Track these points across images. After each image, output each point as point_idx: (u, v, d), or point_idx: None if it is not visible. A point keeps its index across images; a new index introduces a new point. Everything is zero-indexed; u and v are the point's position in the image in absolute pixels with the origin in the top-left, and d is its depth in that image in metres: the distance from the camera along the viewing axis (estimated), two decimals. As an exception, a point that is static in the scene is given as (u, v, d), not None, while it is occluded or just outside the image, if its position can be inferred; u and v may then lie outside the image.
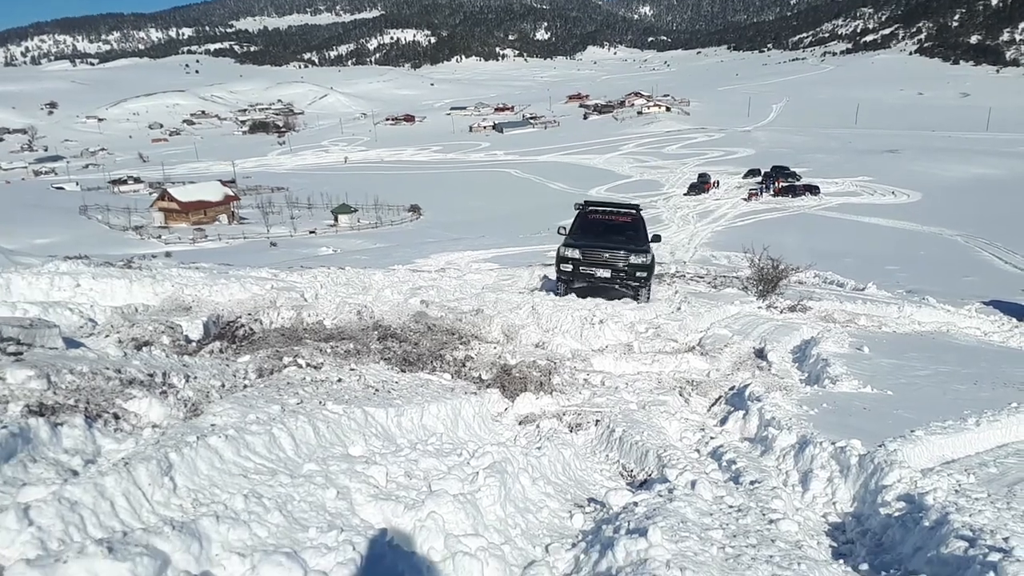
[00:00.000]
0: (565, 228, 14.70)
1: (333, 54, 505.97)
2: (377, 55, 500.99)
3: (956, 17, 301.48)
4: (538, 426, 6.22)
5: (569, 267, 12.94)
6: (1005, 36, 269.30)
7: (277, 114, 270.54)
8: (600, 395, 7.76)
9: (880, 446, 5.83)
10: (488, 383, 7.52)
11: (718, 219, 54.23)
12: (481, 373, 7.94)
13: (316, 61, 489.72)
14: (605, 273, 12.88)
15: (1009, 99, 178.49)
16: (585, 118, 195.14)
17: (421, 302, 11.49)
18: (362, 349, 7.86)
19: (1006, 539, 3.67)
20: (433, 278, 16.46)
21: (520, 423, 6.59)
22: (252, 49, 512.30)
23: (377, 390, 5.64)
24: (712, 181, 74.05)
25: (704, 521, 3.87)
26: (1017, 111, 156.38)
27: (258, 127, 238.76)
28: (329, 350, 7.44)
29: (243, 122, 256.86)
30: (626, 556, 3.29)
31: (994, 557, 3.44)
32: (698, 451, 6.26)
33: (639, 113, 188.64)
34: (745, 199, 65.30)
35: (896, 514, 4.69)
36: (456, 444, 4.58)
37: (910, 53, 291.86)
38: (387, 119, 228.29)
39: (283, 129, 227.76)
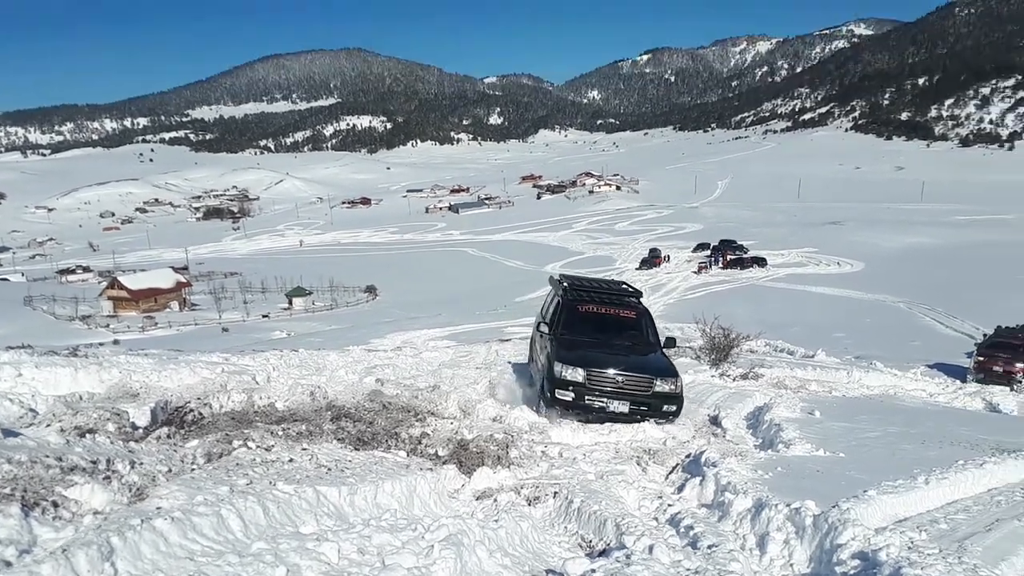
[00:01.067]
0: (545, 318, 11.65)
1: (289, 140, 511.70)
2: (334, 141, 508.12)
3: (887, 96, 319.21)
4: (495, 500, 6.17)
5: (569, 395, 9.26)
6: (933, 112, 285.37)
7: (232, 200, 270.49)
8: (558, 467, 7.74)
9: (834, 506, 5.91)
10: (445, 459, 7.45)
11: (670, 292, 55.29)
12: (438, 449, 7.87)
13: (272, 148, 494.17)
14: (622, 407, 9.27)
15: (939, 172, 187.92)
16: (539, 198, 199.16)
17: (376, 380, 11.43)
18: (315, 430, 7.75)
19: (954, 591, 3.73)
20: (389, 357, 16.40)
21: (478, 498, 6.52)
22: (207, 137, 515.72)
23: (330, 469, 5.57)
24: (663, 256, 75.76)
25: (660, 584, 3.87)
26: (947, 183, 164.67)
27: (212, 213, 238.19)
28: (281, 432, 7.31)
29: (197, 208, 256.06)
30: (582, 621, 3.27)
31: (943, 607, 3.49)
32: (656, 518, 6.26)
33: (590, 192, 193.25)
34: (695, 272, 66.84)
35: (851, 572, 4.74)
36: (412, 520, 4.52)
37: (846, 130, 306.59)
38: (343, 202, 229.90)
39: (238, 215, 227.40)
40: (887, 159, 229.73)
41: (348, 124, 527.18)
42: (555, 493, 6.68)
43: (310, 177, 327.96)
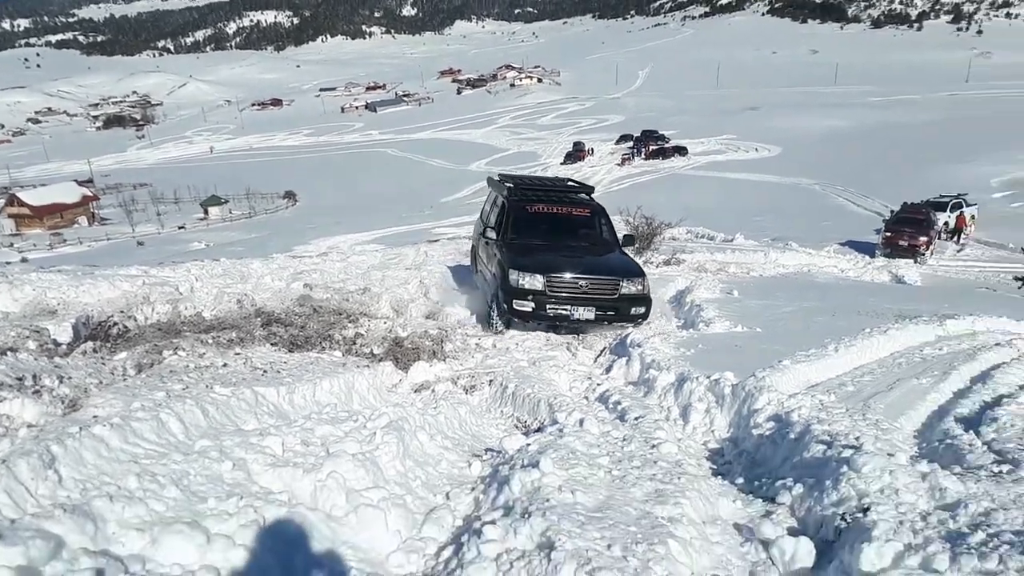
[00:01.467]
0: (489, 223, 10.70)
1: (189, 41, 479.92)
2: (237, 39, 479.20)
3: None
4: (433, 390, 6.36)
5: (529, 304, 8.49)
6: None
7: (133, 107, 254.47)
8: (492, 357, 7.98)
9: (751, 376, 6.31)
10: (380, 357, 7.56)
11: (595, 185, 55.53)
12: (373, 348, 7.97)
13: (172, 49, 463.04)
14: (587, 313, 8.58)
15: (853, 54, 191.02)
16: (459, 93, 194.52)
17: (304, 286, 11.33)
18: (246, 337, 7.69)
19: (857, 438, 4.11)
20: (315, 263, 16.17)
21: (416, 391, 6.68)
22: (99, 39, 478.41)
23: (265, 371, 5.60)
24: (587, 149, 75.67)
25: (592, 451, 4.13)
26: (860, 65, 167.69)
27: (113, 121, 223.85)
28: (211, 340, 7.24)
29: (96, 117, 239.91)
30: (522, 487, 3.49)
31: (847, 453, 3.85)
32: (587, 397, 6.59)
33: (512, 86, 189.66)
34: (619, 164, 67.21)
35: (767, 433, 5.12)
36: (352, 413, 4.64)
37: (763, 14, 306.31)
38: (253, 105, 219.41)
39: (141, 122, 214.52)
40: (803, 43, 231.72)
41: (252, 20, 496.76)
42: (490, 381, 6.93)
43: (215, 79, 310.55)
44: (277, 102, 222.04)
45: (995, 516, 3.08)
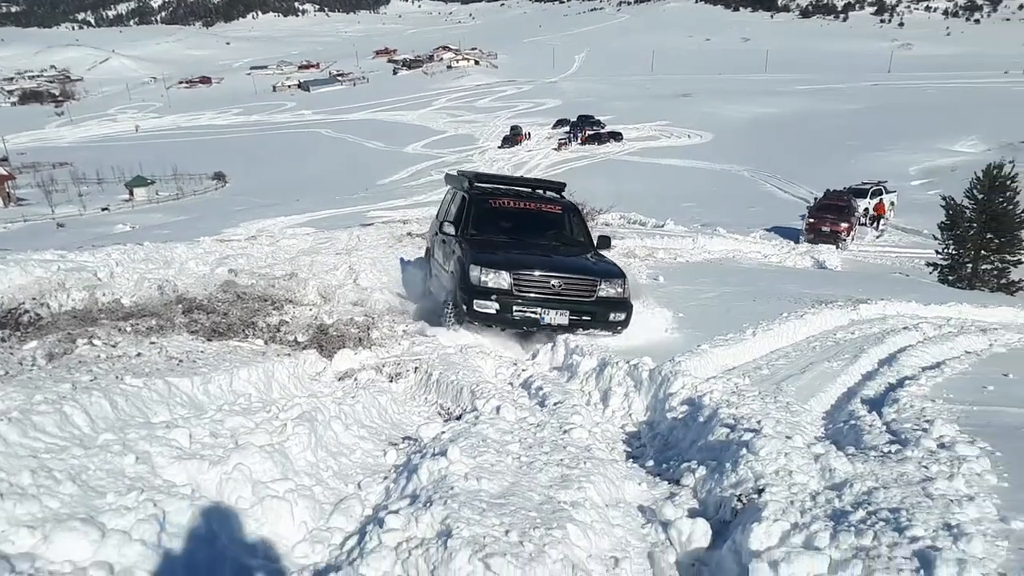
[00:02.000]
0: (448, 218, 9.65)
1: (112, 13, 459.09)
2: (163, 13, 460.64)
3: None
4: (355, 379, 6.34)
5: (492, 306, 7.49)
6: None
7: (51, 81, 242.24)
8: (419, 344, 7.98)
9: (668, 361, 6.50)
10: (305, 344, 7.50)
11: (532, 169, 55.65)
12: (297, 336, 7.89)
13: (92, 22, 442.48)
14: (560, 317, 7.59)
15: (782, 42, 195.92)
16: (395, 73, 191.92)
17: (229, 271, 11.12)
18: (166, 324, 7.52)
19: (759, 422, 4.29)
20: (243, 246, 15.85)
21: (340, 379, 6.65)
22: (13, 9, 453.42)
23: (181, 361, 5.49)
24: (524, 133, 75.60)
25: (504, 438, 4.23)
26: (789, 53, 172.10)
27: (30, 97, 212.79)
28: (129, 328, 7.06)
29: (10, 92, 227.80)
30: (429, 476, 3.56)
31: (747, 436, 4.02)
32: (511, 383, 6.69)
33: (449, 67, 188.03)
34: (555, 149, 67.39)
35: (680, 416, 5.29)
36: (267, 403, 4.62)
37: (696, 1, 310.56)
38: (180, 82, 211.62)
39: (60, 98, 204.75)
40: (734, 30, 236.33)
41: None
42: (416, 368, 6.94)
43: (140, 54, 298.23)
44: (206, 80, 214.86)
45: (876, 495, 3.28)
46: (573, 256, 8.57)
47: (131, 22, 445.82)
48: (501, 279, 7.54)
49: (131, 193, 69.84)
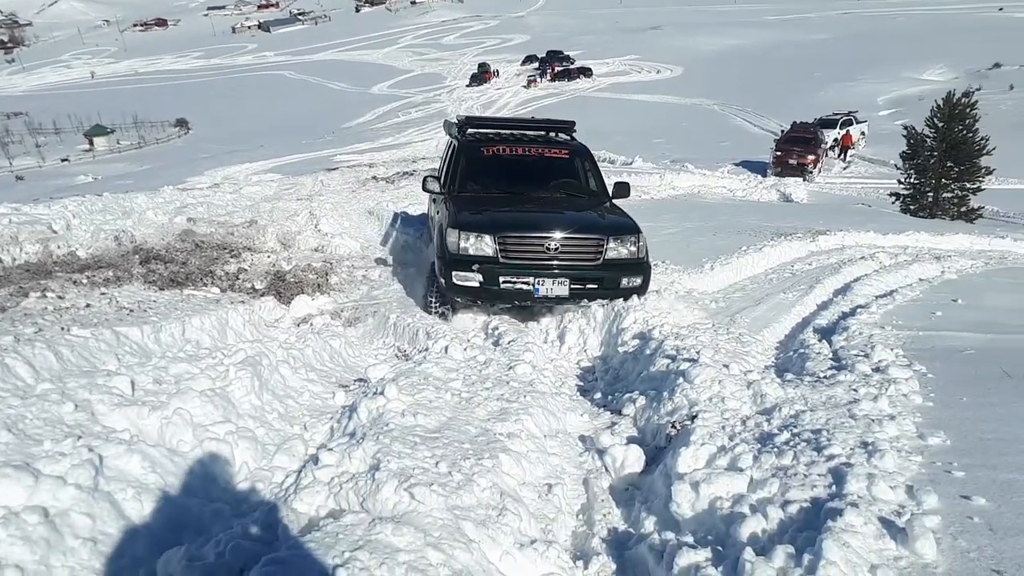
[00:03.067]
0: (437, 178, 8.11)
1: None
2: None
3: None
4: (311, 324, 6.36)
5: (475, 277, 6.16)
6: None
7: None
8: (378, 288, 8.01)
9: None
10: (262, 292, 7.49)
11: (501, 108, 54.98)
12: (255, 283, 7.87)
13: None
14: (558, 287, 6.24)
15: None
16: (357, 11, 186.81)
17: (188, 220, 10.99)
18: (123, 275, 7.46)
19: (698, 352, 4.40)
20: (204, 195, 15.64)
21: (298, 325, 6.67)
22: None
23: (132, 311, 5.48)
24: (492, 70, 74.32)
25: (448, 376, 4.32)
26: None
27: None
28: (85, 280, 7.00)
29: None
30: (368, 414, 3.64)
31: (685, 366, 4.13)
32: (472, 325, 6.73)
33: (413, 3, 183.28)
34: (525, 86, 66.46)
35: (631, 350, 5.40)
36: (214, 349, 4.65)
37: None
38: (135, 25, 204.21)
39: (9, 44, 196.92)
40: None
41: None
42: (374, 313, 6.97)
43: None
44: (162, 22, 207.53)
45: (803, 417, 3.41)
46: (578, 210, 7.09)
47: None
48: (484, 244, 6.19)
49: (91, 143, 68.13)
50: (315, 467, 3.04)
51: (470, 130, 8.45)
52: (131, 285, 6.64)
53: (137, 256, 8.58)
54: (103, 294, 5.95)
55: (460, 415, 3.72)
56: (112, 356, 4.22)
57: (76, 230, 9.82)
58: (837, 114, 32.31)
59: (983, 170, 19.59)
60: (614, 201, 7.67)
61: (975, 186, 19.68)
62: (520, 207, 7.00)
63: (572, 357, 5.96)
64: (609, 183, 8.02)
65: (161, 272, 7.79)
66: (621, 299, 6.22)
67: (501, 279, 6.18)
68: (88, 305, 5.47)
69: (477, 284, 6.18)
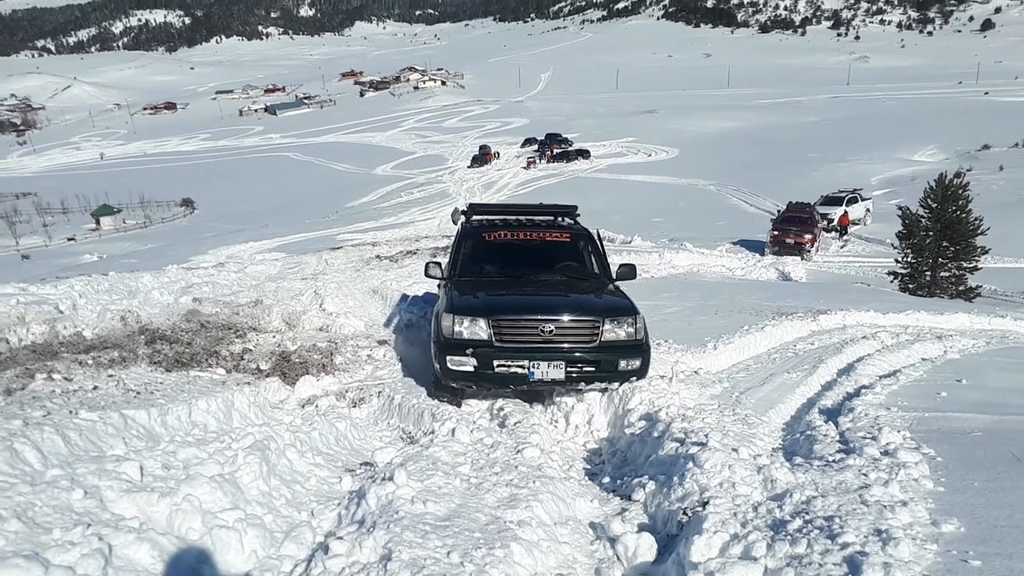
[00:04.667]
0: (440, 264, 7.85)
1: (72, 40, 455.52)
2: (125, 39, 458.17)
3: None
4: (316, 406, 6.35)
5: (469, 362, 6.09)
6: (735, 0, 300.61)
7: (12, 110, 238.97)
8: (383, 367, 8.01)
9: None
10: (267, 372, 7.49)
11: (501, 188, 55.99)
12: (260, 364, 7.86)
13: (53, 49, 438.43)
14: (554, 371, 6.07)
15: (743, 57, 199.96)
16: (362, 95, 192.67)
17: (193, 299, 11.05)
18: (128, 356, 7.47)
19: (706, 435, 4.39)
20: (210, 274, 15.75)
21: (303, 406, 6.65)
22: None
23: (139, 393, 5.48)
24: (493, 152, 76.06)
25: (456, 460, 4.29)
26: (750, 68, 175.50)
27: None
28: (91, 361, 7.01)
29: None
30: (377, 501, 3.61)
31: (694, 450, 4.12)
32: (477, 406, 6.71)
33: (416, 88, 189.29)
34: (524, 168, 67.86)
35: (638, 432, 5.38)
36: (222, 433, 4.64)
37: (658, 18, 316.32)
38: (145, 108, 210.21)
39: (22, 127, 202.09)
40: (696, 46, 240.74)
41: (140, 20, 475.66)
42: (379, 393, 6.96)
43: (103, 81, 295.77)
44: (171, 106, 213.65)
45: (814, 503, 3.39)
46: (579, 292, 7.10)
47: (92, 48, 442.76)
48: (478, 328, 6.12)
49: (97, 222, 69.16)
50: (325, 556, 3.01)
51: (474, 216, 8.54)
52: (137, 366, 6.65)
53: (143, 336, 8.60)
54: (110, 376, 5.96)
55: (470, 501, 3.70)
56: (120, 440, 4.21)
57: (82, 310, 9.86)
58: (843, 191, 32.98)
59: (979, 249, 19.81)
60: (618, 283, 7.57)
61: (972, 265, 19.85)
62: (517, 291, 7.00)
63: (578, 439, 5.94)
64: (613, 263, 8.04)
65: (167, 353, 7.80)
66: (618, 383, 6.21)
67: (496, 363, 6.06)
68: (95, 387, 5.48)
69: (471, 368, 6.08)
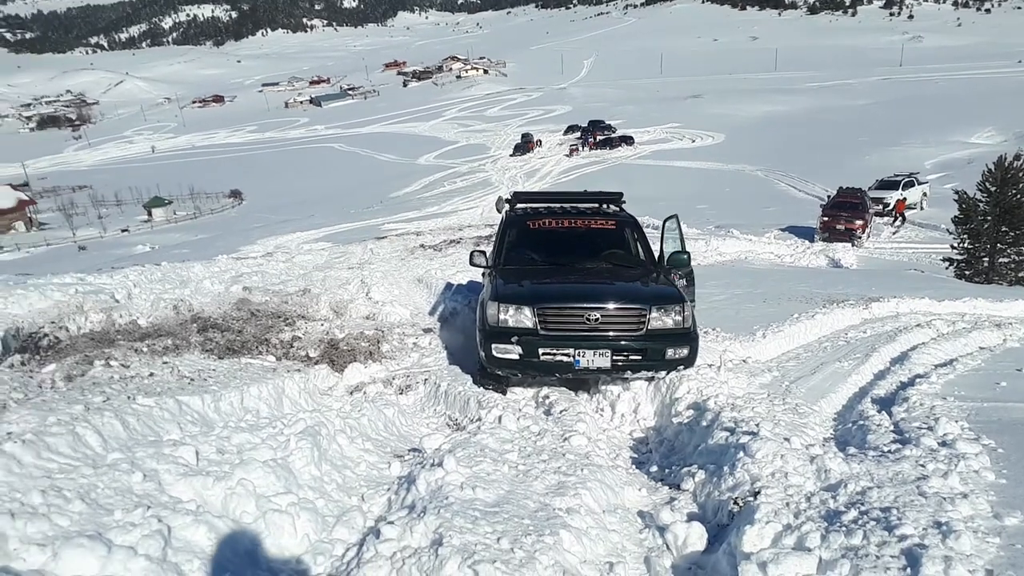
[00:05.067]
0: (484, 253, 7.80)
1: (124, 36, 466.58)
2: (174, 34, 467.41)
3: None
4: (364, 392, 6.43)
5: (515, 350, 6.09)
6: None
7: (68, 106, 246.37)
8: (428, 355, 8.07)
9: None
10: (316, 360, 7.60)
11: (544, 176, 55.82)
12: (309, 351, 7.99)
13: (106, 45, 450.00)
14: (600, 359, 6.03)
15: (791, 39, 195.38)
16: (405, 86, 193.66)
17: (243, 288, 11.26)
18: (181, 343, 7.65)
19: (757, 424, 4.33)
20: (259, 264, 16.05)
21: (351, 392, 6.74)
22: (28, 36, 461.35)
23: (192, 379, 5.61)
24: (535, 140, 75.76)
25: (503, 447, 4.30)
26: (798, 50, 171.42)
27: (48, 122, 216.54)
28: (146, 348, 7.20)
29: (29, 118, 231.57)
30: (427, 486, 3.65)
31: (745, 440, 4.07)
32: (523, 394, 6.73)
33: (458, 77, 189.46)
34: (567, 155, 67.49)
35: (685, 421, 5.34)
36: (274, 419, 4.73)
37: (703, 1, 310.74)
38: (194, 102, 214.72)
39: (77, 122, 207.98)
40: (742, 29, 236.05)
41: (188, 15, 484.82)
42: (425, 380, 7.01)
43: (153, 76, 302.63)
44: (219, 99, 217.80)
45: (870, 494, 3.32)
46: (625, 280, 7.01)
47: (143, 44, 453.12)
48: (523, 316, 6.12)
49: (149, 214, 70.94)
50: (377, 541, 3.05)
51: (519, 205, 8.52)
52: (190, 354, 6.80)
53: (195, 324, 8.79)
54: (164, 363, 6.11)
55: (518, 488, 3.71)
56: (175, 425, 4.32)
57: (137, 299, 10.11)
58: (899, 175, 32.19)
59: (1041, 234, 19.16)
60: (667, 271, 7.53)
61: (1033, 250, 19.23)
62: (562, 279, 6.99)
63: (625, 428, 5.91)
64: (658, 250, 8.05)
65: (218, 340, 7.96)
66: (665, 372, 6.18)
67: (541, 351, 6.05)
68: (151, 374, 5.63)
69: (516, 356, 6.09)
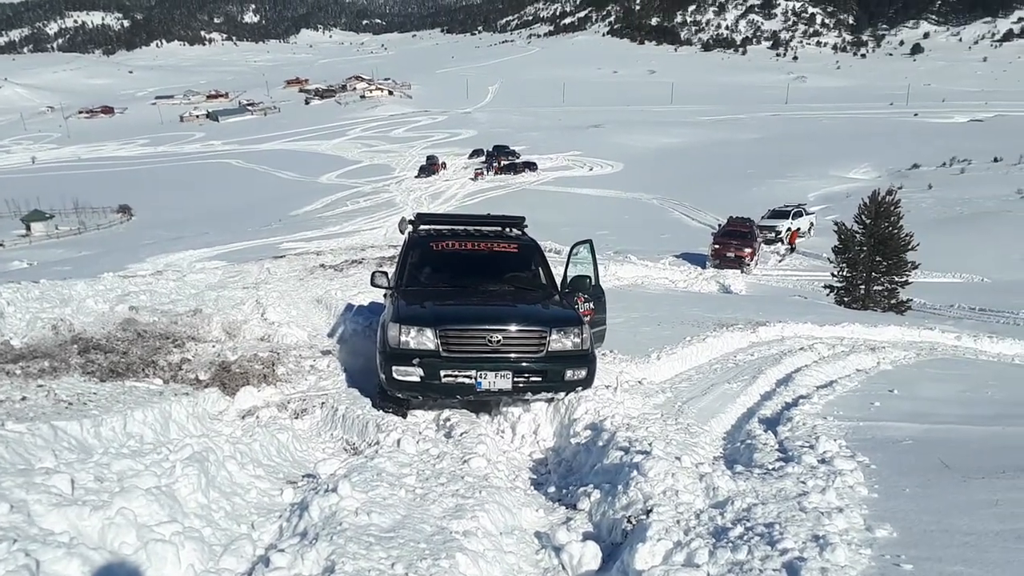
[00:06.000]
0: (386, 273, 7.87)
1: (3, 40, 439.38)
2: (60, 41, 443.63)
3: (638, 1, 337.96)
4: (257, 416, 6.22)
5: (416, 372, 6.05)
6: (679, 18, 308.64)
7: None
8: (326, 378, 7.89)
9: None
10: (206, 383, 7.31)
11: (449, 199, 55.88)
12: (199, 374, 7.67)
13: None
14: (501, 381, 6.07)
15: (687, 75, 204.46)
16: (307, 103, 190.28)
17: (130, 308, 10.73)
18: (59, 366, 7.21)
19: (650, 444, 4.45)
20: (148, 282, 15.30)
21: (243, 417, 6.51)
22: None
23: (71, 404, 5.29)
24: (440, 163, 75.82)
25: (401, 471, 4.26)
26: (693, 85, 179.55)
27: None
28: (19, 371, 6.74)
29: None
30: (320, 513, 3.57)
31: (638, 459, 4.17)
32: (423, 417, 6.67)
33: (362, 97, 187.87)
34: (472, 179, 67.86)
35: (583, 441, 5.43)
36: (159, 444, 4.51)
37: (603, 35, 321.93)
38: (81, 112, 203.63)
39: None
40: (641, 63, 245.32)
41: (76, 21, 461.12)
42: (322, 404, 6.85)
43: (35, 83, 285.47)
44: (108, 110, 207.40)
45: (755, 511, 3.47)
46: (526, 303, 7.10)
47: (24, 49, 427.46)
48: (425, 338, 6.07)
49: (28, 228, 66.53)
50: (266, 569, 2.95)
51: (422, 226, 8.48)
52: (69, 376, 6.42)
53: (76, 346, 8.31)
54: (39, 386, 5.74)
55: (415, 512, 3.67)
56: (49, 452, 4.05)
57: (10, 318, 9.47)
58: (788, 206, 34.20)
59: (910, 264, 20.60)
60: (569, 295, 7.64)
61: (903, 280, 20.63)
62: (464, 301, 6.98)
63: (525, 449, 5.95)
64: (560, 275, 8.21)
65: (101, 362, 7.55)
66: (564, 393, 6.28)
67: (443, 373, 6.03)
68: (23, 398, 5.27)
69: (418, 379, 6.05)
